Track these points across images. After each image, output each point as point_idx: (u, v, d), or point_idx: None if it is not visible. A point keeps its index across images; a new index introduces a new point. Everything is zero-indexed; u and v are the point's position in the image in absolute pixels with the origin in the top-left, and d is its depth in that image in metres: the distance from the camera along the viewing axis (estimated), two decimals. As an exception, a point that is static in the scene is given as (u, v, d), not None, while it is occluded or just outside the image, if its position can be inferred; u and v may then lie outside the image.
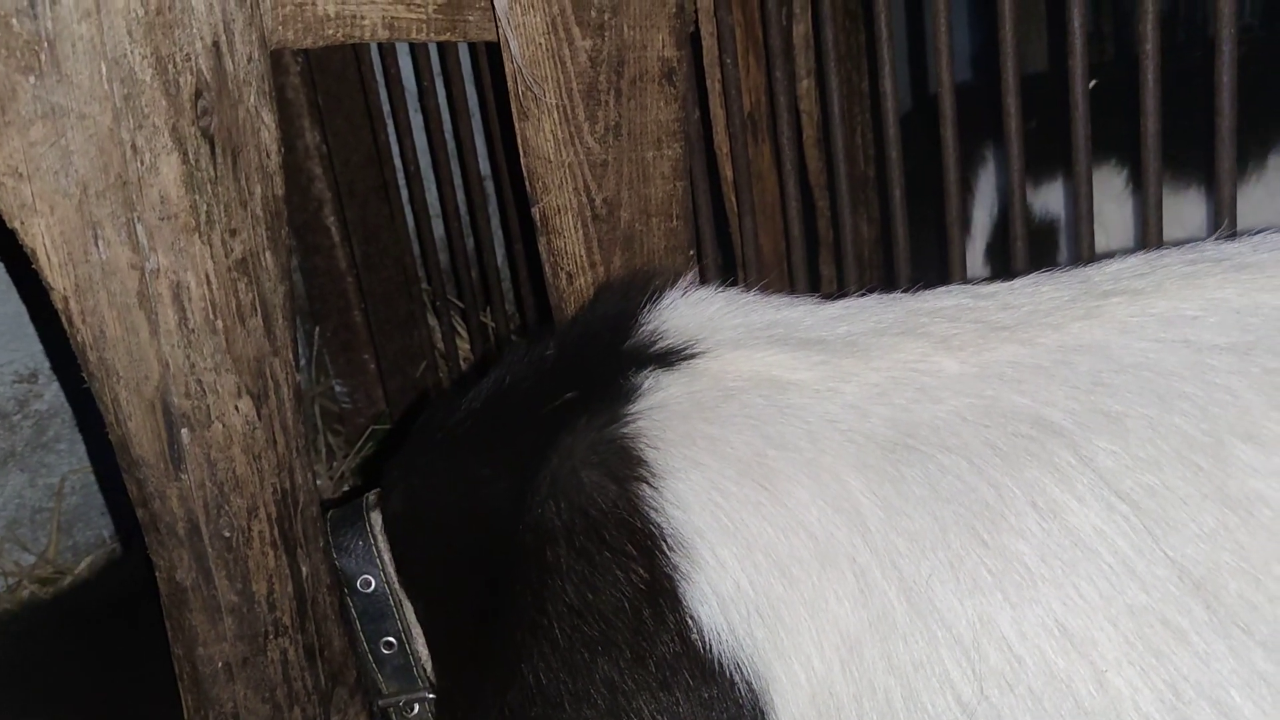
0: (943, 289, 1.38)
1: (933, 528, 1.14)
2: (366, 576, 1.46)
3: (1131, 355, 1.17)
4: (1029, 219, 2.59)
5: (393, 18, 1.46)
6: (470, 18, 1.53)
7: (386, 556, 1.46)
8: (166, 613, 1.34)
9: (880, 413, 1.21)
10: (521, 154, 1.58)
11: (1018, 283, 1.34)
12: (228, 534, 1.30)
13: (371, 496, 1.51)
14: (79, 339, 1.20)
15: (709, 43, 1.96)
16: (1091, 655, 1.08)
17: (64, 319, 1.19)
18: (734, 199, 2.05)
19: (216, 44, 1.20)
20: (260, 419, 1.30)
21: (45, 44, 1.09)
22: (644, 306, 1.41)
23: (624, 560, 1.22)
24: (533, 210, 1.61)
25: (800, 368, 1.28)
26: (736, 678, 1.18)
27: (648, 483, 1.23)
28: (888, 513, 1.16)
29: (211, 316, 1.24)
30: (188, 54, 1.17)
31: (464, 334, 2.96)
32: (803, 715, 1.17)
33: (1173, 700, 1.05)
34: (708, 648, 1.18)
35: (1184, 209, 2.30)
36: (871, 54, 1.96)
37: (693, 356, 1.33)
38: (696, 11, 1.91)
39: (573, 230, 1.63)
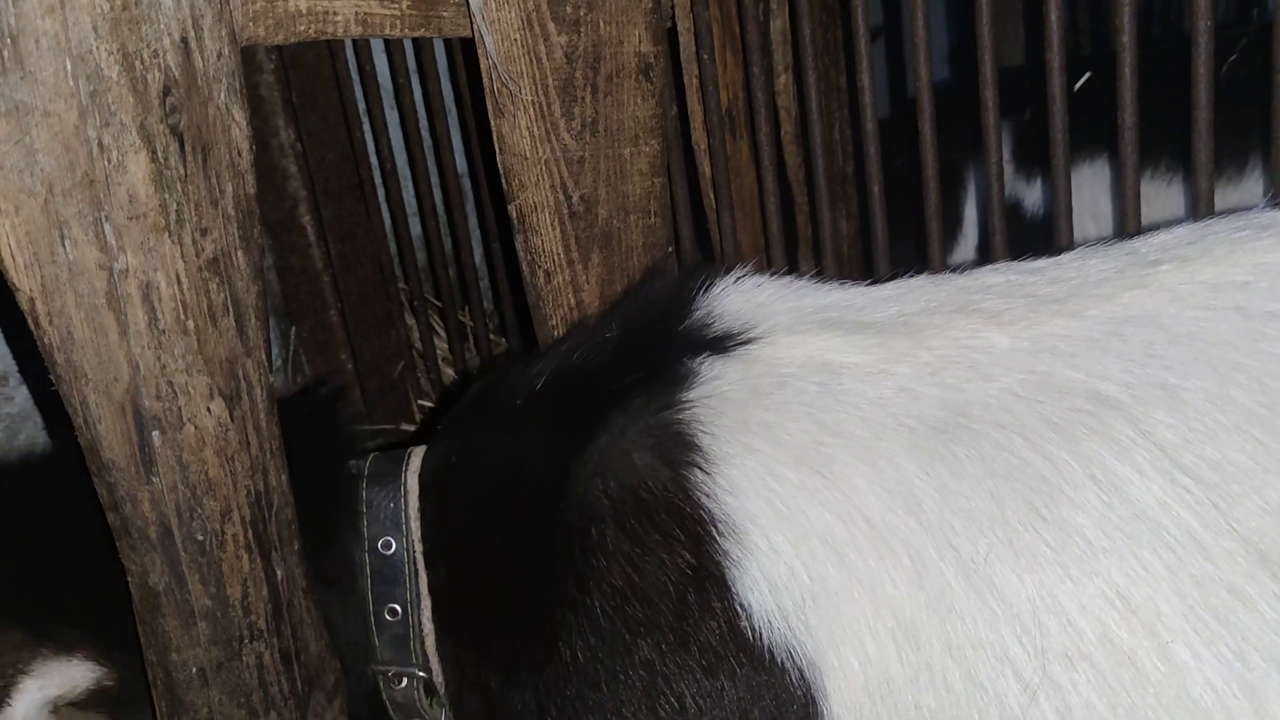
0: (990, 266, 1.38)
1: (989, 505, 1.13)
2: (389, 539, 1.43)
3: (1183, 325, 1.17)
4: (1023, 214, 2.59)
5: (365, 13, 1.44)
6: (444, 14, 1.51)
7: (415, 523, 1.43)
8: (139, 618, 1.32)
9: (933, 394, 1.21)
10: (498, 151, 1.56)
11: (1065, 257, 1.34)
12: (201, 537, 1.28)
13: (414, 456, 1.47)
14: (46, 340, 1.17)
15: (686, 38, 1.95)
16: (1156, 626, 1.07)
17: (31, 320, 1.17)
18: (712, 195, 2.04)
19: (185, 40, 1.18)
20: (233, 420, 1.28)
21: (8, 40, 1.06)
22: (699, 290, 1.40)
23: (671, 544, 1.21)
24: (509, 208, 1.60)
25: (853, 351, 1.27)
26: (788, 665, 1.16)
27: (700, 468, 1.22)
28: (942, 493, 1.15)
29: (182, 317, 1.22)
30: (155, 50, 1.15)
31: (442, 333, 2.94)
32: (856, 701, 1.15)
33: (1240, 669, 1.05)
34: (757, 634, 1.17)
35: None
36: (849, 49, 1.95)
37: (747, 342, 1.33)
38: (673, 7, 1.90)
39: (550, 228, 1.61)
